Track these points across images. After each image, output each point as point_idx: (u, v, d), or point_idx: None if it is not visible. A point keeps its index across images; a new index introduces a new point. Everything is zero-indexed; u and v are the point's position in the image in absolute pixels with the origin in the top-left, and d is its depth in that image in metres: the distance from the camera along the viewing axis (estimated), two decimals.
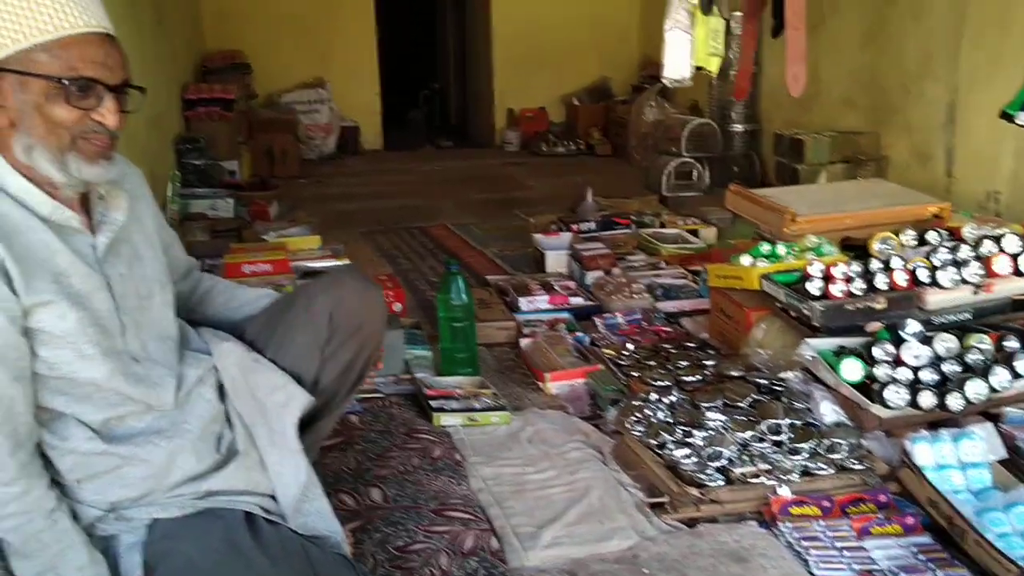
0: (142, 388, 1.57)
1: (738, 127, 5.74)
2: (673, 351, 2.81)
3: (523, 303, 3.24)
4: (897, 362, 2.16)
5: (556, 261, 3.71)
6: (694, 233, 4.20)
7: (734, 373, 2.51)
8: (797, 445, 2.09)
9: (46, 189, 1.49)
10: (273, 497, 1.69)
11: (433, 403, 2.48)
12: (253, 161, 6.12)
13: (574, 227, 4.12)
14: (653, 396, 2.38)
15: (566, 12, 7.55)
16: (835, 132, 4.90)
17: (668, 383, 2.49)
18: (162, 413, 1.60)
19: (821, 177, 4.73)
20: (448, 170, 6.74)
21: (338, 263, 3.66)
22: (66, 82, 1.41)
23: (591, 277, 3.47)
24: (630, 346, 2.86)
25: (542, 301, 3.27)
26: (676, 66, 2.85)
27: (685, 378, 2.53)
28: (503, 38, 7.58)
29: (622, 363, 2.74)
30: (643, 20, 7.70)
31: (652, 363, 2.72)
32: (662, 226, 4.29)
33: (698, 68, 2.91)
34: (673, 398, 2.39)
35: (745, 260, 2.76)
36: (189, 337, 1.76)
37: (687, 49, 2.85)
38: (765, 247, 2.75)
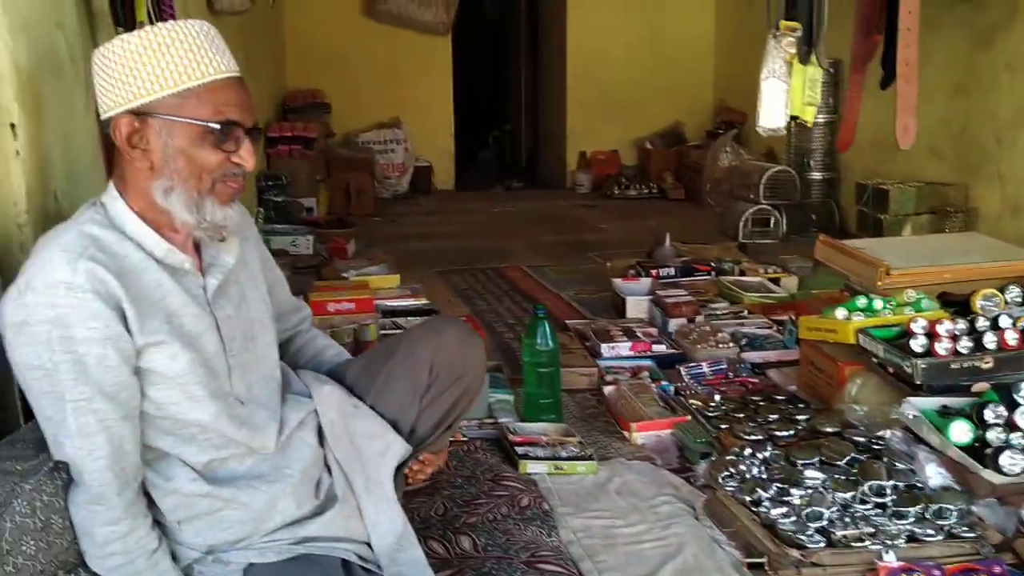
0: (246, 431, 1.57)
1: (816, 175, 5.65)
2: (762, 403, 2.75)
3: (605, 349, 3.20)
4: (1011, 426, 2.07)
5: (637, 307, 3.66)
6: (775, 282, 4.12)
7: (829, 429, 2.43)
8: (902, 509, 2.01)
9: (163, 232, 1.50)
10: (368, 544, 1.67)
11: (519, 449, 2.44)
12: (330, 198, 6.20)
13: (653, 272, 4.07)
14: (747, 451, 2.32)
15: (640, 56, 7.56)
16: (920, 182, 4.79)
17: (761, 437, 2.43)
18: (263, 456, 1.60)
19: (906, 228, 4.62)
20: (519, 211, 6.75)
21: (418, 303, 3.68)
22: (214, 126, 1.44)
23: (674, 324, 3.41)
24: (717, 397, 2.80)
25: (624, 347, 3.22)
26: (771, 115, 2.81)
27: (778, 433, 2.47)
28: (577, 81, 7.60)
29: (710, 415, 2.68)
30: (718, 66, 7.67)
31: (741, 415, 2.65)
32: (742, 273, 4.23)
33: (793, 118, 2.86)
34: (767, 453, 2.32)
35: (840, 313, 2.68)
36: (290, 379, 1.76)
37: (783, 98, 2.81)
38: (861, 300, 2.67)
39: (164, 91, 1.43)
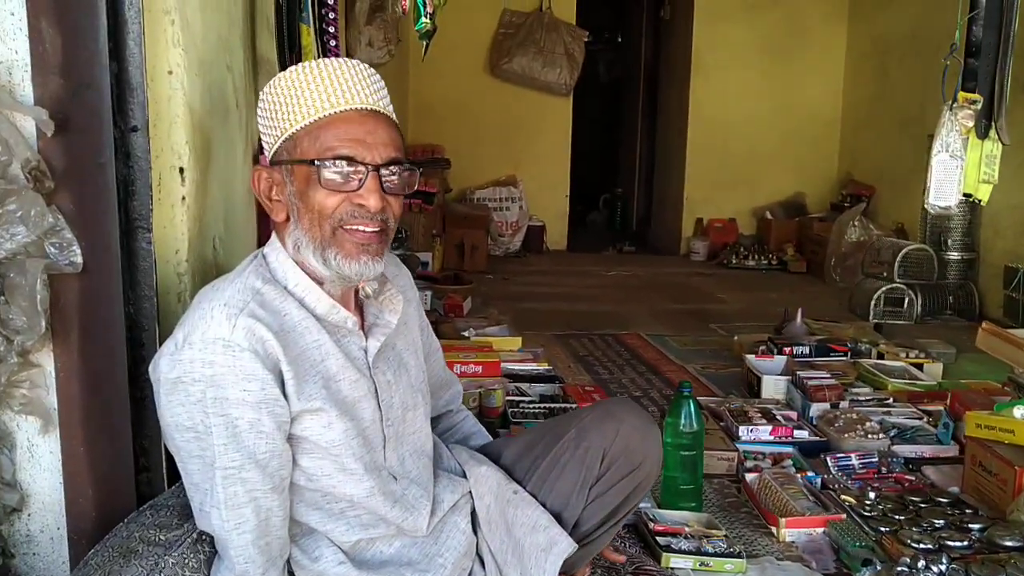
0: (398, 510, 1.44)
1: (954, 255, 5.35)
2: (923, 505, 2.51)
3: (743, 431, 3.00)
4: None
5: (773, 387, 3.45)
6: (918, 367, 3.85)
7: (1010, 543, 2.19)
8: None
9: (325, 287, 1.40)
10: None
11: (660, 540, 2.26)
12: (443, 254, 6.16)
13: (787, 350, 3.86)
14: (920, 562, 2.08)
15: (763, 124, 7.40)
16: None
17: (931, 546, 2.19)
18: (413, 540, 1.47)
19: None
20: (634, 276, 6.61)
21: (540, 367, 3.55)
22: (318, 163, 1.33)
23: (816, 409, 3.19)
24: (872, 495, 2.57)
25: (764, 431, 3.01)
26: (943, 193, 2.61)
27: (949, 542, 2.23)
28: (697, 147, 7.47)
29: (867, 514, 2.45)
30: (844, 137, 7.44)
31: (901, 518, 2.42)
32: (880, 356, 3.97)
33: (966, 195, 2.65)
34: (943, 566, 2.08)
35: (1018, 412, 2.45)
36: (441, 453, 1.64)
37: (956, 175, 2.61)
38: None
39: (283, 137, 1.36)
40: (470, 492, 1.57)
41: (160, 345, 1.36)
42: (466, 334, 3.93)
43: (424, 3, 2.46)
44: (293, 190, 1.36)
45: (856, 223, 6.18)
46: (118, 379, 1.42)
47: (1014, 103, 2.83)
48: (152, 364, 1.32)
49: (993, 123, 2.61)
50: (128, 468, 1.45)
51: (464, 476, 1.60)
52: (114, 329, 1.40)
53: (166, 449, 1.40)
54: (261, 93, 1.40)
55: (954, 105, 2.64)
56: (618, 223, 9.21)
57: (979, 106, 2.60)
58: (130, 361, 1.44)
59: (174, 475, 1.40)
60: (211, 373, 1.26)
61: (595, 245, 8.01)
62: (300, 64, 1.39)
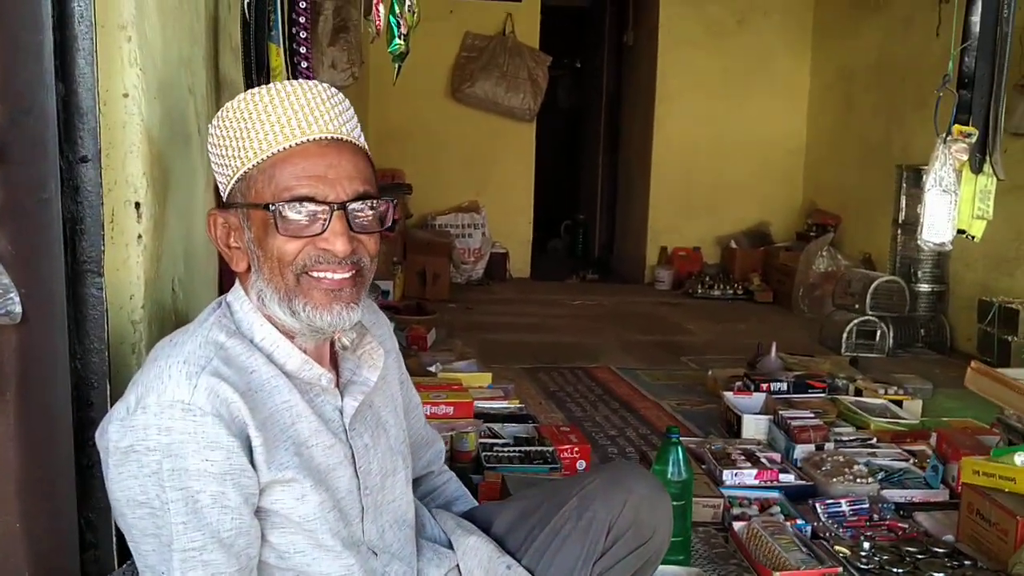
0: None
1: (924, 287, 5.31)
2: (920, 556, 2.40)
3: (728, 476, 2.87)
4: None
5: (755, 427, 3.33)
6: (896, 403, 3.77)
7: None
8: None
9: (296, 341, 1.24)
10: None
11: None
12: (405, 282, 5.99)
13: (764, 386, 3.75)
14: None
15: (727, 153, 7.36)
16: None
17: None
18: None
19: None
20: (599, 305, 6.49)
21: (511, 406, 3.39)
22: (273, 207, 1.16)
23: (801, 451, 3.07)
24: (867, 545, 2.45)
25: (749, 475, 2.89)
26: (937, 230, 2.51)
27: None
28: (661, 175, 7.40)
29: (863, 567, 2.33)
30: (808, 166, 7.43)
31: (899, 571, 2.31)
32: (858, 392, 3.88)
33: (960, 231, 2.56)
34: None
35: (1019, 459, 2.35)
36: (424, 521, 1.47)
37: (950, 212, 2.52)
38: None
39: (236, 175, 1.20)
40: (457, 566, 1.41)
41: (111, 405, 1.18)
42: (432, 369, 3.76)
43: (398, 23, 2.31)
44: (251, 236, 1.20)
45: (824, 253, 6.14)
46: (62, 444, 1.24)
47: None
48: (100, 430, 1.15)
49: (988, 157, 2.53)
50: (72, 545, 1.27)
51: (450, 546, 1.44)
52: (57, 387, 1.22)
53: (116, 523, 1.22)
54: (210, 127, 1.23)
55: (948, 138, 2.55)
56: (580, 250, 9.12)
57: (974, 139, 2.52)
58: (76, 424, 1.26)
59: (125, 551, 1.22)
60: (168, 441, 1.10)
61: (558, 273, 7.90)
62: (250, 91, 1.22)
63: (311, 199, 1.18)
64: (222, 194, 1.25)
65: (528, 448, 2.90)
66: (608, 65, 8.74)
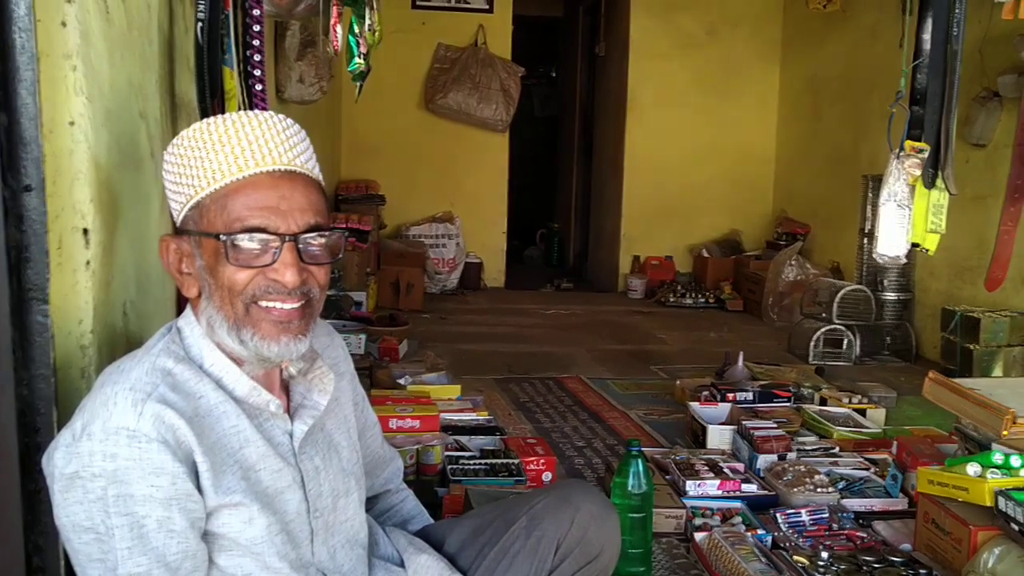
0: None
1: (890, 295, 5.37)
2: (877, 566, 2.43)
3: (691, 487, 2.90)
4: None
5: (719, 437, 3.36)
6: (860, 412, 3.81)
7: None
8: None
9: (245, 368, 1.26)
10: None
11: None
12: (379, 293, 6.00)
13: (730, 396, 3.79)
14: None
15: (698, 163, 7.43)
16: (1011, 312, 4.49)
17: None
18: None
19: (998, 361, 4.32)
20: (572, 314, 6.52)
21: (480, 417, 3.41)
22: (224, 237, 1.19)
23: (763, 461, 3.11)
24: (825, 555, 2.48)
25: (712, 486, 2.92)
26: (891, 243, 2.56)
27: None
28: (633, 184, 7.45)
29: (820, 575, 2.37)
30: (779, 175, 7.50)
31: None
32: (823, 401, 3.92)
33: (914, 245, 2.61)
34: None
35: (971, 469, 2.38)
36: (377, 539, 1.49)
37: (904, 225, 2.56)
38: (997, 456, 2.37)
39: (189, 202, 1.23)
40: None
41: (59, 431, 1.19)
42: (402, 382, 3.77)
43: (357, 43, 2.33)
44: (203, 263, 1.22)
45: (793, 262, 6.20)
46: (8, 470, 1.25)
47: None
48: (46, 456, 1.16)
49: (940, 172, 2.57)
50: (19, 570, 1.27)
51: (402, 565, 1.46)
52: (2, 414, 1.23)
53: (65, 549, 1.23)
54: (165, 153, 1.25)
55: (901, 153, 2.60)
56: (555, 259, 9.15)
57: (926, 155, 2.56)
58: (22, 449, 1.27)
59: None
60: (113, 468, 1.11)
61: (533, 282, 7.93)
62: (205, 120, 1.25)
63: (263, 230, 1.20)
64: (175, 220, 1.26)
65: (494, 461, 2.92)
66: (581, 75, 8.79)
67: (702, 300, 6.91)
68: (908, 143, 2.59)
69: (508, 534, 1.46)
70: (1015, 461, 2.35)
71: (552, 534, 1.43)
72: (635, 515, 2.40)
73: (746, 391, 3.87)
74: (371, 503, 1.62)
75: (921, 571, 2.40)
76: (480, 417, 3.45)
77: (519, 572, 1.43)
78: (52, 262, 1.28)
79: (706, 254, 7.32)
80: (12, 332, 1.22)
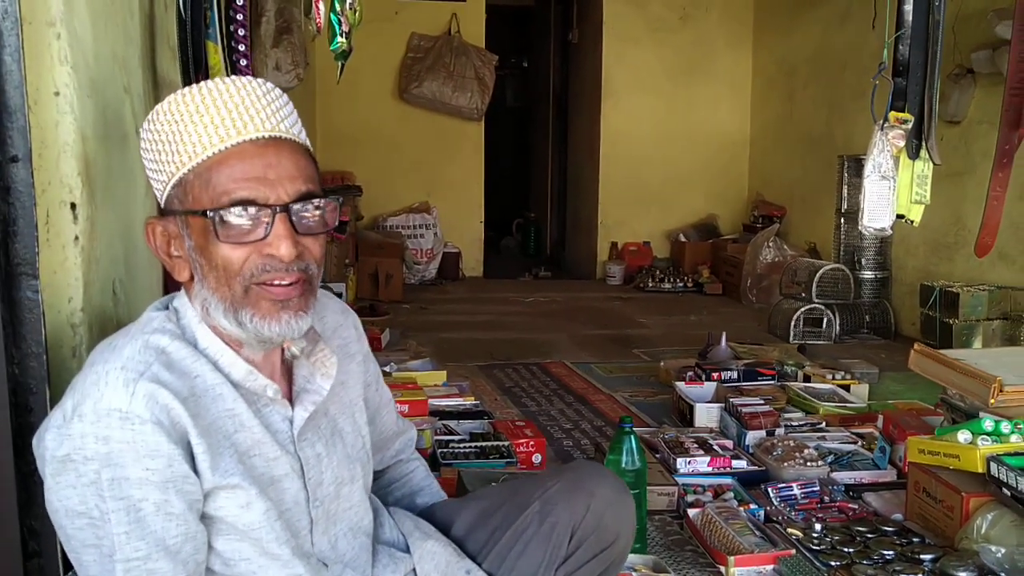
0: None
1: (868, 274, 5.41)
2: (870, 536, 2.44)
3: (681, 464, 2.90)
4: None
5: (707, 415, 3.36)
6: (845, 388, 3.83)
7: (964, 574, 2.12)
8: None
9: (242, 352, 1.20)
10: None
11: None
12: (358, 284, 5.96)
13: (715, 375, 3.79)
14: None
15: (674, 148, 7.45)
16: (989, 286, 4.53)
17: None
18: None
19: (977, 335, 4.36)
20: (552, 301, 6.51)
21: (467, 402, 3.39)
22: (211, 213, 1.12)
23: (752, 437, 3.11)
24: (818, 527, 2.49)
25: (702, 463, 2.91)
26: (876, 215, 2.56)
27: (903, 575, 2.15)
28: (609, 171, 7.46)
29: (815, 547, 2.37)
30: (753, 159, 7.53)
31: (850, 550, 2.35)
32: (807, 379, 3.94)
33: (899, 216, 2.62)
34: None
35: (962, 436, 2.39)
36: (382, 521, 1.43)
37: (889, 197, 2.57)
38: (988, 423, 2.38)
39: (172, 180, 1.16)
40: (414, 570, 1.38)
41: (51, 410, 1.15)
42: (387, 369, 3.74)
43: (339, 22, 2.30)
44: (192, 244, 1.16)
45: (770, 244, 6.23)
46: (1, 451, 1.21)
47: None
48: (36, 438, 1.11)
49: (924, 143, 2.58)
50: (14, 554, 1.24)
51: (407, 550, 1.41)
52: None
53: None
54: (141, 131, 1.18)
55: (885, 125, 2.60)
56: (532, 248, 9.14)
57: (910, 125, 2.57)
58: (16, 429, 1.23)
59: (71, 565, 1.20)
60: (106, 450, 1.06)
61: (511, 270, 7.91)
62: (180, 91, 1.17)
63: (251, 202, 1.13)
64: (159, 201, 1.20)
65: (484, 444, 2.90)
66: (555, 63, 8.77)
67: (680, 284, 6.93)
68: (892, 114, 2.59)
69: (520, 520, 1.41)
70: (1005, 427, 2.37)
71: (567, 520, 1.39)
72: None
73: (731, 370, 3.88)
74: (384, 474, 1.59)
75: (914, 539, 2.41)
76: (467, 402, 3.43)
77: (532, 558, 1.38)
78: (40, 237, 1.25)
79: (683, 239, 7.34)
80: (2, 309, 1.18)
